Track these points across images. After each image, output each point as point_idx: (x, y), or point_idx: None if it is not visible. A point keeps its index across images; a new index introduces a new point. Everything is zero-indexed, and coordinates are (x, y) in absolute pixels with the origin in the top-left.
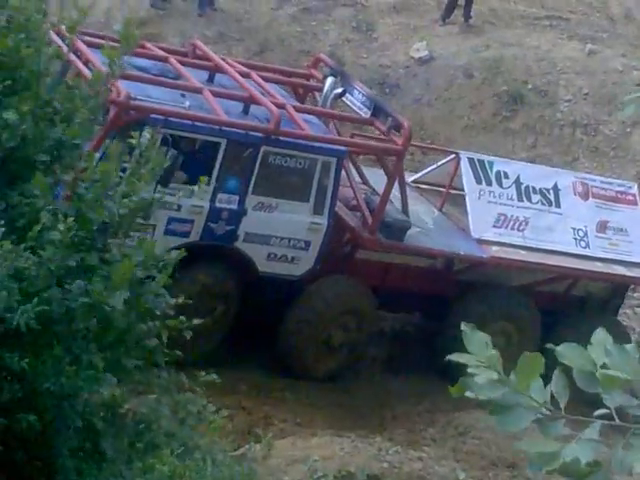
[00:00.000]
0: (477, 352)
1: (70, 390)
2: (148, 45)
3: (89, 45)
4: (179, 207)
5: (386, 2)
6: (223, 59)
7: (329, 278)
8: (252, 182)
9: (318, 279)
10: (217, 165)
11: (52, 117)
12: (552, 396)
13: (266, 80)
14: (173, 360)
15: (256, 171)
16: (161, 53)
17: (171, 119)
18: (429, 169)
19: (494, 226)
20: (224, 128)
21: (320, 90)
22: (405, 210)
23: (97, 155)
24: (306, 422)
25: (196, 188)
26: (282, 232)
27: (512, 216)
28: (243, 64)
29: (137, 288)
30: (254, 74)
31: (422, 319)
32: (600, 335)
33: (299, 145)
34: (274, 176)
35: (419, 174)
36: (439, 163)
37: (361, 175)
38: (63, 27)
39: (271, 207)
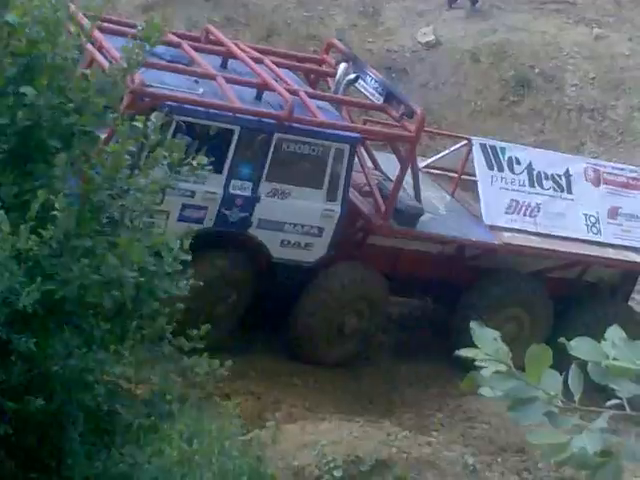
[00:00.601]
0: (485, 346)
1: (80, 372)
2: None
3: (104, 31)
4: (193, 193)
5: None
6: (236, 44)
7: (342, 264)
8: (265, 169)
9: (331, 265)
10: (231, 152)
11: (65, 106)
12: (567, 389)
13: (279, 65)
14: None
15: (269, 158)
16: (174, 38)
17: (185, 106)
18: (441, 154)
19: (506, 212)
20: (238, 115)
21: (333, 76)
22: (418, 196)
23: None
24: (315, 407)
25: (209, 176)
26: (295, 219)
27: (524, 202)
28: (256, 49)
29: (146, 271)
30: (267, 60)
31: (433, 305)
32: (614, 331)
33: (312, 132)
34: (287, 163)
35: (431, 159)
36: (451, 149)
37: (373, 161)
38: (82, 16)
39: (284, 194)
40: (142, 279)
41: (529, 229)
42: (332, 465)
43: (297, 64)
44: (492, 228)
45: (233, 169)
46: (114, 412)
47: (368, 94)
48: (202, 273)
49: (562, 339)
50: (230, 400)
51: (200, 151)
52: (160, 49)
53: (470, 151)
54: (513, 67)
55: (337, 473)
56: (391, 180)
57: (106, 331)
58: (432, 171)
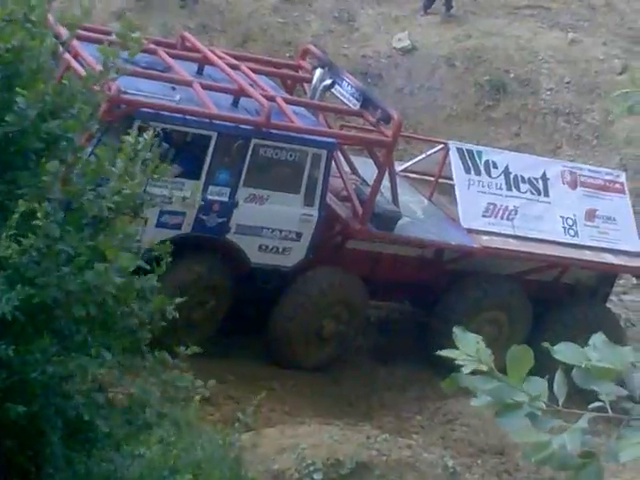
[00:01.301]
0: (467, 348)
1: (58, 378)
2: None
3: (79, 38)
4: (170, 200)
5: None
6: (212, 51)
7: (321, 269)
8: (243, 174)
9: (310, 269)
10: (208, 158)
11: (42, 111)
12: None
13: (255, 72)
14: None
15: (247, 163)
16: (150, 45)
17: (162, 113)
18: (418, 158)
19: (484, 215)
20: (215, 121)
21: (309, 81)
22: (395, 200)
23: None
24: (294, 411)
25: (187, 182)
26: (273, 224)
27: (501, 205)
28: (232, 55)
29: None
30: (243, 66)
31: (411, 308)
32: (598, 338)
33: (289, 137)
34: (265, 168)
35: (408, 163)
36: (428, 153)
37: (351, 165)
38: (60, 25)
39: (262, 199)
40: (123, 294)
41: (507, 232)
42: (312, 468)
43: (273, 70)
44: (470, 231)
45: (210, 175)
46: (93, 420)
47: (345, 99)
48: (180, 278)
49: (545, 343)
50: (209, 404)
51: (176, 158)
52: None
53: (447, 155)
54: (488, 72)
55: (317, 476)
56: (368, 185)
57: (87, 335)
58: (409, 175)
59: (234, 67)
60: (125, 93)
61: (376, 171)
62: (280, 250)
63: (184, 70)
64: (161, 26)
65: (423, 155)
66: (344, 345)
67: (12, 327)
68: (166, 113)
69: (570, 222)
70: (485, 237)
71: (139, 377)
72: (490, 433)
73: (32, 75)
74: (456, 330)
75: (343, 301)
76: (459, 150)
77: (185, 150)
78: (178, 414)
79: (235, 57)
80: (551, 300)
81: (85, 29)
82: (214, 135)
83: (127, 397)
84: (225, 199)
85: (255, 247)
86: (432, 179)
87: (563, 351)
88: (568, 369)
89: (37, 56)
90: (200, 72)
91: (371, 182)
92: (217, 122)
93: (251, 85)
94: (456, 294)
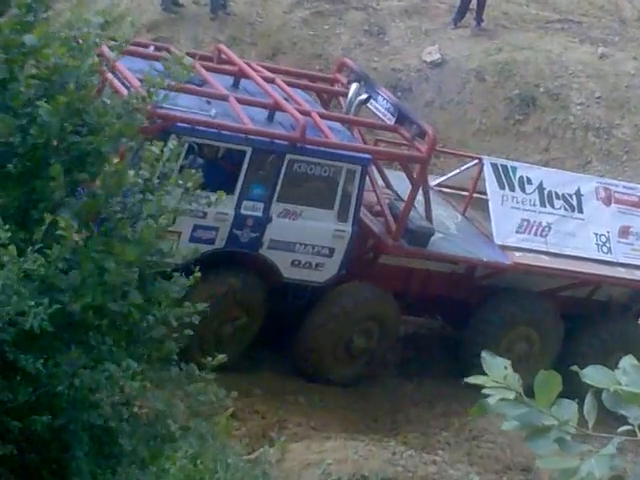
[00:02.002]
0: (495, 373)
1: (86, 390)
2: (173, 50)
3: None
4: (204, 214)
5: (398, 5)
6: (248, 64)
7: (352, 284)
8: (277, 190)
9: (341, 284)
10: (242, 173)
11: (79, 128)
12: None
13: (290, 85)
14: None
15: (281, 179)
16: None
17: (197, 128)
18: (452, 173)
19: (517, 232)
20: (250, 136)
21: (344, 95)
22: (429, 216)
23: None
24: (320, 426)
25: (219, 197)
26: (307, 239)
27: (535, 222)
28: (268, 68)
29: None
30: (278, 79)
31: (442, 323)
32: (627, 359)
33: (324, 153)
34: (299, 183)
35: (442, 178)
36: (462, 168)
37: (385, 179)
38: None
39: (296, 214)
40: (151, 307)
41: (540, 248)
42: None
43: (309, 83)
44: (503, 247)
45: (245, 190)
46: (118, 433)
47: (380, 114)
48: (213, 293)
49: (574, 367)
50: (235, 419)
51: (210, 172)
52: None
53: (481, 170)
54: (518, 86)
55: None
56: (402, 199)
57: (112, 346)
58: (443, 189)
59: (269, 80)
60: (162, 107)
61: (409, 185)
62: (313, 266)
63: (220, 83)
64: (192, 39)
65: (457, 170)
66: (374, 361)
67: (40, 340)
68: (202, 128)
69: (604, 239)
70: (518, 253)
71: (164, 390)
72: (516, 450)
73: (70, 93)
74: (484, 354)
75: (374, 317)
76: (494, 165)
77: (219, 165)
78: (203, 427)
79: (270, 70)
80: (583, 317)
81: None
82: (249, 150)
83: (152, 410)
84: (259, 214)
85: (288, 262)
86: (466, 194)
87: (592, 374)
88: (598, 392)
89: (77, 74)
90: (236, 85)
91: (404, 196)
92: (252, 137)
93: (286, 99)
94: (488, 310)
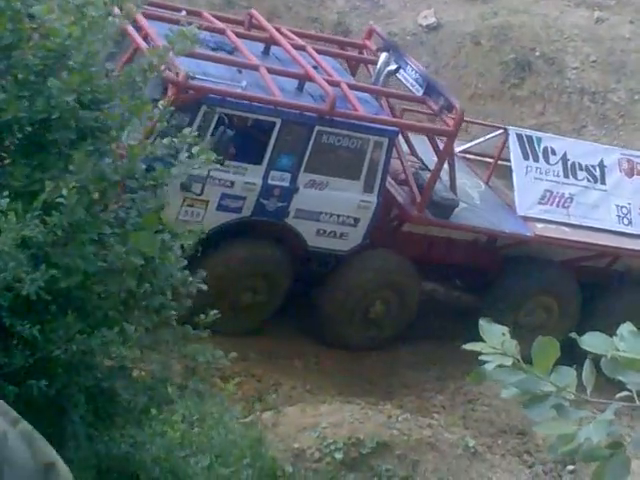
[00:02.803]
0: (492, 340)
1: (81, 354)
2: (205, 14)
3: (148, 17)
4: (232, 184)
5: None
6: (278, 29)
7: (373, 251)
8: (305, 160)
9: (362, 252)
10: (271, 144)
11: (77, 101)
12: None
13: (320, 53)
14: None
15: (309, 150)
16: (218, 24)
17: (228, 99)
18: (477, 141)
19: (539, 203)
20: (279, 108)
21: (373, 63)
22: (453, 188)
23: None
24: (315, 389)
25: (249, 167)
26: (332, 209)
27: (558, 193)
28: (298, 34)
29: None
30: (309, 47)
31: (461, 290)
32: (626, 327)
33: (352, 125)
34: (326, 155)
35: (466, 145)
36: (487, 136)
37: (410, 147)
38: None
39: (322, 185)
40: (149, 270)
41: (562, 220)
42: (333, 447)
43: (339, 51)
44: (525, 219)
45: (273, 161)
46: (114, 393)
47: (408, 85)
48: (238, 260)
49: (573, 334)
50: (230, 382)
51: (239, 142)
52: (204, 35)
53: (506, 140)
54: (514, 50)
55: (338, 455)
56: (427, 168)
57: (108, 311)
58: (467, 156)
59: (300, 48)
60: (193, 78)
61: (436, 158)
62: (337, 235)
63: (250, 50)
64: (187, 2)
65: (482, 138)
66: (393, 328)
67: (35, 306)
68: (233, 99)
69: (625, 211)
70: (540, 225)
71: (160, 352)
72: (511, 413)
73: (80, 67)
74: (482, 321)
75: (392, 285)
76: (518, 136)
77: (248, 135)
78: (200, 387)
79: (301, 36)
80: (601, 286)
81: (154, 5)
82: (278, 122)
83: (148, 374)
84: (286, 184)
85: (313, 231)
86: (490, 161)
87: (590, 341)
88: (597, 358)
89: (86, 49)
90: (266, 52)
91: (428, 163)
92: (282, 109)
93: (315, 67)
94: (509, 278)
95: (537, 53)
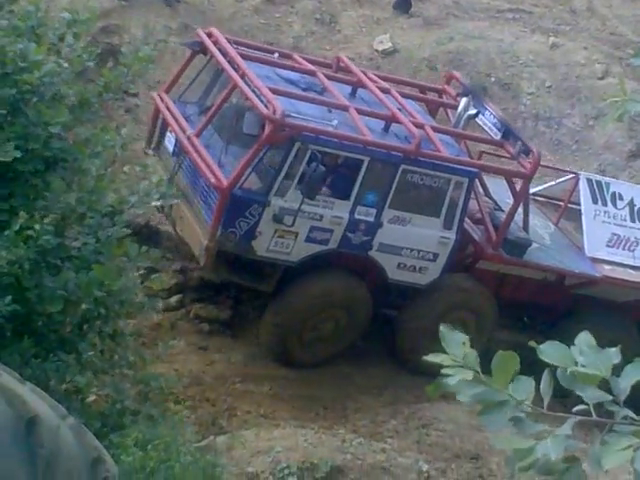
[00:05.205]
0: (453, 351)
1: (35, 381)
2: (295, 56)
3: (246, 58)
4: (321, 217)
5: None
6: (364, 72)
7: (455, 275)
8: (389, 197)
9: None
10: (358, 180)
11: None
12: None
13: (403, 96)
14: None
15: (394, 187)
16: (309, 66)
17: (321, 137)
18: (548, 184)
19: (607, 245)
20: (368, 147)
21: (452, 107)
22: (526, 227)
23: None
24: (269, 413)
25: (337, 201)
26: (413, 244)
27: (624, 236)
28: (382, 77)
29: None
30: (393, 91)
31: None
32: (583, 336)
33: (435, 165)
34: (410, 192)
35: (538, 188)
36: (559, 180)
37: (484, 187)
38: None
39: (405, 221)
40: (109, 298)
41: (628, 262)
42: (287, 472)
43: (420, 95)
44: (593, 260)
45: (359, 196)
46: None
47: (487, 129)
48: (321, 290)
49: (532, 342)
50: (185, 407)
51: (329, 179)
52: (295, 76)
53: (576, 184)
54: (469, 75)
55: (292, 479)
56: (500, 209)
57: (68, 333)
58: (537, 198)
59: (385, 91)
60: (289, 116)
61: (506, 191)
62: (417, 269)
63: (339, 92)
64: (143, 26)
65: (554, 182)
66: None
67: None
68: (325, 137)
69: None
70: (607, 266)
71: (114, 376)
72: (465, 438)
73: (52, 101)
74: (442, 329)
75: (470, 308)
76: (588, 181)
77: (337, 172)
78: (154, 412)
79: (384, 79)
80: None
81: (242, 44)
82: (366, 160)
83: (101, 398)
84: (371, 219)
85: (394, 265)
86: (559, 203)
87: (549, 352)
88: (555, 370)
89: (58, 84)
90: (353, 94)
91: (500, 204)
92: (370, 148)
93: (400, 109)
94: (576, 317)
95: (492, 79)
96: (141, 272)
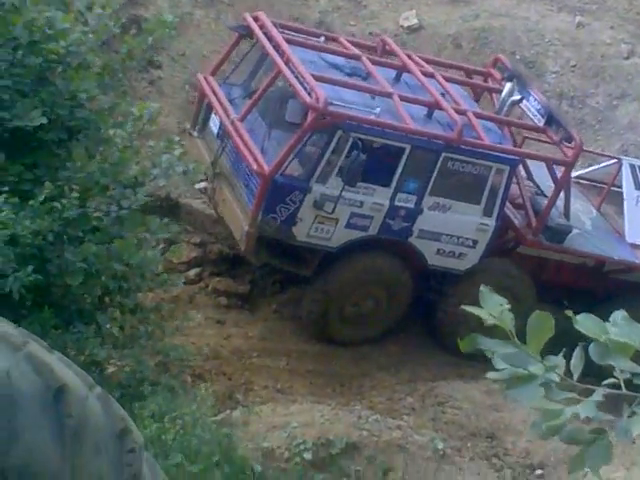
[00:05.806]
0: (491, 308)
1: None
2: (341, 39)
3: (289, 42)
4: (361, 204)
5: None
6: (409, 55)
7: (495, 260)
8: (430, 184)
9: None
10: (400, 168)
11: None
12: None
13: (447, 80)
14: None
15: (435, 174)
16: (353, 49)
17: (363, 125)
18: (591, 169)
19: None
20: (410, 135)
21: (497, 92)
22: (567, 214)
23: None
24: (286, 389)
25: (377, 188)
26: (453, 231)
27: None
28: (427, 60)
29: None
30: (438, 75)
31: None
32: (619, 313)
33: (477, 153)
34: (450, 179)
35: (582, 171)
36: (601, 165)
37: (527, 172)
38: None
39: (445, 207)
40: (129, 271)
41: None
42: (302, 447)
43: (465, 79)
44: (633, 246)
45: (400, 183)
46: None
47: (530, 115)
48: (363, 267)
49: (568, 312)
50: (202, 381)
51: (371, 165)
52: (340, 61)
53: (619, 170)
54: (494, 53)
55: (307, 455)
56: (543, 194)
57: (88, 304)
58: (580, 181)
59: (429, 75)
60: (331, 104)
61: (553, 185)
62: (456, 255)
63: (383, 77)
64: (168, 0)
65: (597, 166)
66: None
67: (10, 300)
68: (367, 125)
69: None
70: None
71: (134, 347)
72: (481, 417)
73: (76, 71)
74: (482, 289)
75: (512, 292)
76: (631, 166)
77: (378, 159)
78: (173, 381)
79: (429, 62)
80: None
81: (290, 28)
82: (408, 147)
83: (120, 369)
84: (411, 206)
85: (433, 251)
86: (602, 186)
87: (584, 322)
88: (587, 346)
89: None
90: (397, 79)
91: (544, 188)
92: (412, 136)
93: (443, 94)
94: (615, 302)
95: (517, 57)
96: (162, 246)
